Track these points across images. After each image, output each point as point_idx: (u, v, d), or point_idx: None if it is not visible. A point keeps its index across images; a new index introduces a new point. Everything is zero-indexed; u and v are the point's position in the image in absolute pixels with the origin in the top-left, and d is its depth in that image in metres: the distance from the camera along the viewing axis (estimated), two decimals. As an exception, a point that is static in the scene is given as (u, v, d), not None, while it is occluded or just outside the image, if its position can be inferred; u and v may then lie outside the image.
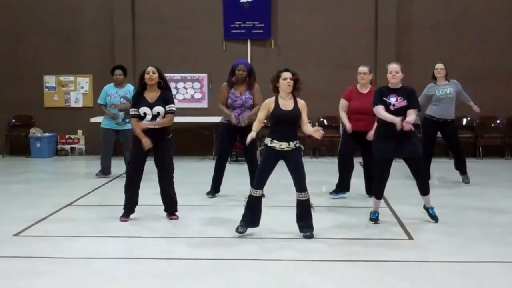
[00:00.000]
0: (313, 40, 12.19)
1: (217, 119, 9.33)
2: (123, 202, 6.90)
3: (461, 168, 9.24)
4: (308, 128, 6.15)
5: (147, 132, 6.69)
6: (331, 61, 11.96)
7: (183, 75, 12.44)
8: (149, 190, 7.22)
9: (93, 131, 11.48)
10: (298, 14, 12.21)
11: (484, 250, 5.80)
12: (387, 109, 6.50)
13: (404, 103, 6.46)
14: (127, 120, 9.04)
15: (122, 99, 9.50)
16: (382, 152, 6.54)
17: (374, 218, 6.74)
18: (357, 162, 8.16)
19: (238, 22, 12.21)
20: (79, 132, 12.67)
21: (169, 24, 12.32)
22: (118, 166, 9.75)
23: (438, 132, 9.22)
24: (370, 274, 5.14)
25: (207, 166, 8.54)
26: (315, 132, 6.08)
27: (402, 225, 6.68)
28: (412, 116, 6.45)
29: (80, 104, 12.60)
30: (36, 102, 12.53)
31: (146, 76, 6.71)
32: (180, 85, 12.48)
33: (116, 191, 7.03)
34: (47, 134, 12.43)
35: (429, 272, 5.21)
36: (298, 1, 12.28)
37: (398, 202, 7.60)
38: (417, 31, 12.11)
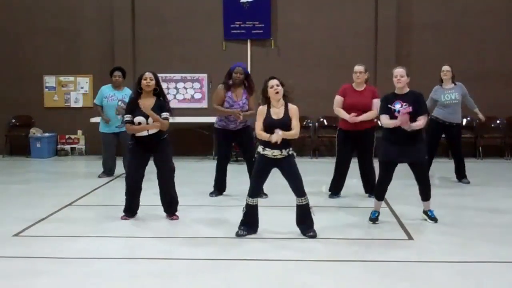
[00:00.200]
0: (313, 40, 12.19)
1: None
2: (123, 206, 6.92)
3: (460, 173, 9.25)
4: (292, 131, 6.00)
5: (142, 138, 6.68)
6: (331, 61, 11.96)
7: (183, 75, 12.44)
8: (149, 190, 7.21)
9: (93, 131, 11.46)
10: (298, 14, 12.21)
11: (484, 250, 5.80)
12: (392, 116, 6.48)
13: (409, 109, 6.40)
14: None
15: (120, 102, 9.38)
16: (387, 154, 6.52)
17: (374, 218, 6.73)
18: (355, 162, 8.15)
19: (238, 22, 12.21)
20: (79, 132, 12.67)
21: (169, 24, 12.32)
22: (118, 166, 9.74)
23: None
24: (370, 274, 5.14)
25: (207, 166, 8.55)
26: (275, 135, 5.90)
27: (402, 225, 6.67)
28: (421, 121, 6.42)
29: (80, 104, 12.60)
30: (36, 102, 12.54)
31: (144, 82, 6.66)
32: (180, 85, 12.48)
33: (116, 191, 7.03)
34: (47, 134, 12.43)
35: (429, 272, 5.21)
36: (298, 1, 12.28)
37: (398, 202, 7.60)
38: (417, 31, 12.11)
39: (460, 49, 11.97)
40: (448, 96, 8.97)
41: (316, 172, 9.74)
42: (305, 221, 6.15)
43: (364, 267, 5.31)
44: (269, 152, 6.02)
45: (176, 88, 12.45)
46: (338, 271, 5.24)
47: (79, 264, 5.40)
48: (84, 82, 12.57)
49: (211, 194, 8.18)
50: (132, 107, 6.74)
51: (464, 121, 11.95)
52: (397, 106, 6.46)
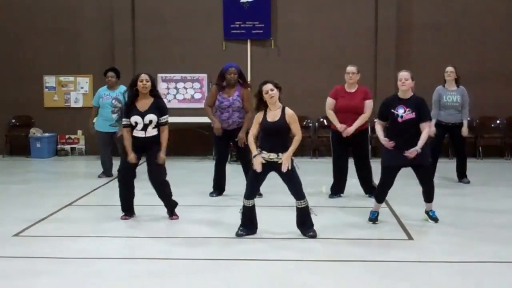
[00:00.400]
0: (313, 40, 12.19)
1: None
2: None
3: (460, 173, 9.26)
4: (294, 141, 5.98)
5: (139, 139, 6.67)
6: (331, 61, 11.95)
7: (183, 75, 12.44)
8: (149, 190, 7.20)
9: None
10: (298, 14, 12.21)
11: (484, 250, 5.79)
12: (395, 121, 6.45)
13: (413, 115, 6.38)
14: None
15: (113, 101, 9.51)
16: (391, 159, 6.48)
17: (373, 218, 6.73)
18: (352, 162, 8.14)
19: (238, 22, 12.21)
20: (79, 132, 12.67)
21: (169, 24, 12.32)
22: (117, 166, 9.71)
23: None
24: (370, 274, 5.14)
25: (207, 166, 8.55)
26: (284, 163, 5.92)
27: (402, 225, 6.67)
28: (426, 130, 6.38)
29: (80, 104, 12.60)
30: (36, 102, 12.54)
31: (140, 84, 6.65)
32: (180, 85, 12.48)
33: (116, 191, 7.02)
34: (47, 134, 12.44)
35: (429, 272, 5.21)
36: (298, 1, 12.28)
37: (398, 202, 7.59)
38: (417, 31, 12.11)
39: (460, 49, 11.97)
40: (450, 97, 8.96)
41: (316, 172, 9.74)
42: (305, 222, 6.16)
43: (364, 267, 5.31)
44: (265, 155, 6.01)
45: (176, 88, 12.45)
46: (338, 271, 5.24)
47: (79, 264, 5.40)
48: (84, 82, 12.57)
49: (211, 194, 8.18)
50: (128, 109, 6.73)
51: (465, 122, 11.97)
52: (400, 111, 6.43)
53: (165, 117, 6.74)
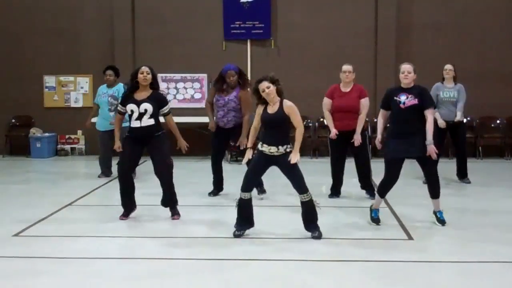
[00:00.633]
0: (313, 40, 12.19)
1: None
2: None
3: (461, 173, 9.26)
4: (296, 134, 5.98)
5: (136, 130, 6.66)
6: (331, 61, 11.91)
7: (183, 75, 12.44)
8: (148, 190, 7.22)
9: (93, 131, 11.44)
10: (298, 14, 12.21)
11: (485, 250, 5.79)
12: (398, 108, 6.42)
13: (415, 101, 6.36)
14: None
15: (109, 98, 9.58)
16: (393, 152, 6.42)
17: (376, 218, 6.66)
18: (351, 162, 8.14)
19: (238, 22, 12.21)
20: (79, 132, 12.67)
21: (169, 24, 12.32)
22: (114, 166, 9.73)
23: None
24: (370, 274, 5.13)
25: (207, 166, 8.53)
26: (293, 156, 5.93)
27: (402, 225, 6.67)
28: (430, 117, 6.35)
29: (80, 104, 12.60)
30: (36, 102, 12.54)
31: (140, 76, 6.66)
32: (180, 85, 12.48)
33: (116, 192, 7.02)
34: (47, 134, 12.44)
35: (430, 272, 5.21)
36: (298, 1, 12.28)
37: (399, 202, 7.59)
38: (417, 31, 12.11)
39: (460, 49, 11.97)
40: (447, 93, 9.00)
41: (316, 172, 9.73)
42: (310, 218, 6.07)
43: (364, 267, 5.30)
44: (266, 149, 5.99)
45: (176, 88, 12.45)
46: (339, 271, 5.23)
47: (79, 264, 5.40)
48: (84, 82, 12.57)
49: (210, 193, 8.17)
50: (125, 98, 6.78)
51: (464, 121, 11.95)
52: (403, 98, 6.42)
53: (166, 107, 6.78)
